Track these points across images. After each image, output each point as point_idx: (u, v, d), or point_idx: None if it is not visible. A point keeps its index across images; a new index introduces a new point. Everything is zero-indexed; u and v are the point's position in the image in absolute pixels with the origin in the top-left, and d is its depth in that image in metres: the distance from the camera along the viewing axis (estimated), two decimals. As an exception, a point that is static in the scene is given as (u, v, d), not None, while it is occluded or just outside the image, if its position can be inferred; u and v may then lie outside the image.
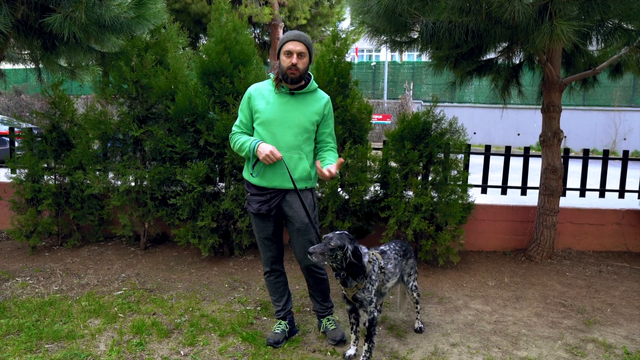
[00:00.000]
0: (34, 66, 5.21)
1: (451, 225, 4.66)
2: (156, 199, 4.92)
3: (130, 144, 5.01)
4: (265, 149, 2.95)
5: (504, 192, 5.95)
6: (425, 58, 5.47)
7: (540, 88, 5.38)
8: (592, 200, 5.89)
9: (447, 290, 4.32)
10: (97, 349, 3.14)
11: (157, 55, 4.97)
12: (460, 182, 4.79)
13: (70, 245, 5.15)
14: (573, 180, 6.35)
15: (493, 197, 5.85)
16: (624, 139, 18.50)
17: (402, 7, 4.13)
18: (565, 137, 5.32)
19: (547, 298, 4.18)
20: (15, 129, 5.89)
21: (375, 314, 3.00)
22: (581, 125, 18.75)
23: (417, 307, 3.52)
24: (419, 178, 4.79)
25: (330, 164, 3.11)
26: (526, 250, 5.21)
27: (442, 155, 4.77)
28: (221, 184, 4.94)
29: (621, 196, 5.91)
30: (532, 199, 5.75)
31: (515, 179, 6.21)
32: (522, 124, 19.41)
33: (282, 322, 3.33)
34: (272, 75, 3.17)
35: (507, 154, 5.83)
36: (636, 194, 5.97)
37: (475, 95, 20.99)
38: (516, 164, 6.06)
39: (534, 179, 6.10)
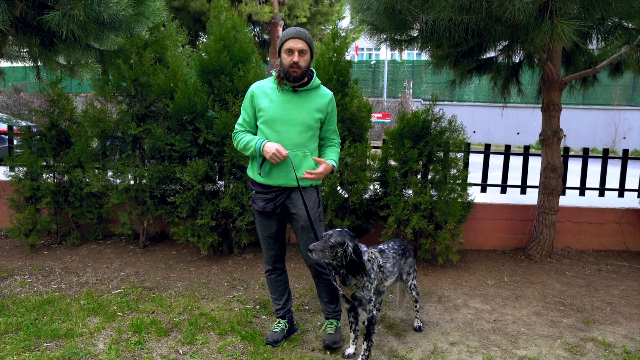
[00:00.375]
0: (32, 64, 5.20)
1: (451, 224, 4.65)
2: (155, 198, 4.92)
3: (129, 142, 5.00)
4: (271, 147, 2.93)
5: (503, 191, 5.95)
6: (425, 57, 5.46)
7: (540, 87, 5.37)
8: (591, 199, 5.88)
9: (447, 289, 4.32)
10: (95, 348, 3.13)
11: (156, 53, 4.96)
12: (459, 181, 4.78)
13: (69, 244, 5.14)
14: (573, 179, 6.34)
15: (493, 196, 5.84)
16: (624, 138, 18.50)
17: (401, 4, 4.12)
18: (565, 136, 5.31)
19: (546, 297, 4.17)
20: (14, 127, 5.88)
21: (374, 312, 2.99)
22: (581, 124, 18.74)
23: (416, 306, 3.51)
24: (419, 177, 4.78)
25: (329, 160, 3.12)
26: (526, 249, 5.20)
27: (442, 153, 4.76)
28: (220, 182, 4.93)
29: (621, 195, 5.91)
30: (531, 197, 5.74)
31: (514, 177, 6.20)
32: (522, 122, 19.39)
33: (282, 321, 3.33)
34: (274, 73, 3.15)
35: (507, 152, 5.82)
36: (636, 193, 5.97)
37: (475, 94, 20.98)
38: (516, 162, 6.05)
39: (534, 178, 6.08)
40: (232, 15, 4.84)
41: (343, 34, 4.86)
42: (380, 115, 18.86)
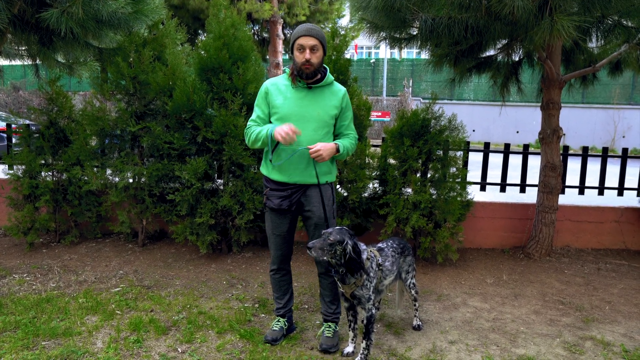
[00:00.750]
0: (31, 62, 5.18)
1: (450, 223, 4.65)
2: (154, 196, 4.91)
3: (128, 140, 4.99)
4: (283, 128, 2.88)
5: (502, 190, 5.94)
6: (424, 55, 5.45)
7: (539, 85, 5.36)
8: (591, 198, 5.88)
9: (446, 287, 4.31)
10: (94, 346, 3.13)
11: (155, 51, 4.95)
12: (459, 180, 4.78)
13: (68, 242, 5.14)
14: (572, 177, 6.34)
15: (492, 195, 5.84)
16: (623, 137, 18.50)
17: (400, 2, 4.10)
18: (564, 134, 5.31)
19: (545, 296, 4.17)
20: (13, 125, 5.87)
21: (374, 311, 2.99)
22: (580, 122, 18.74)
23: (415, 305, 3.51)
24: (418, 175, 4.78)
25: (335, 141, 3.11)
26: (525, 248, 5.20)
27: (441, 152, 4.76)
28: (219, 180, 4.92)
29: (620, 194, 5.90)
30: (531, 196, 5.74)
31: (514, 176, 6.20)
32: (522, 121, 19.40)
33: (281, 320, 3.32)
34: (287, 70, 3.14)
35: (506, 151, 5.82)
36: (635, 192, 5.96)
37: (474, 93, 20.98)
38: (515, 161, 6.05)
39: (533, 177, 6.08)
40: (232, 13, 4.83)
41: (342, 32, 4.85)
42: (379, 113, 18.86)
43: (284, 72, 3.20)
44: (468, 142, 5.21)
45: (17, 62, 5.54)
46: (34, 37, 4.42)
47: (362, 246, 3.02)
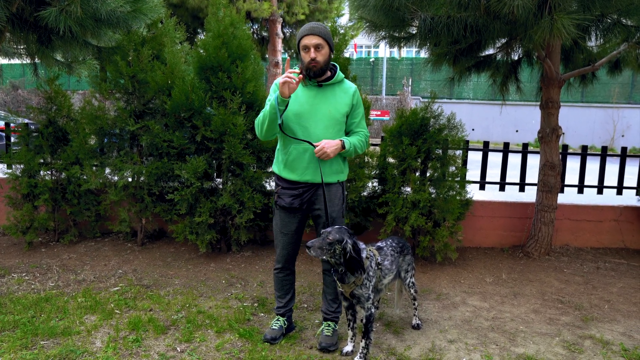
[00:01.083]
0: (30, 61, 5.17)
1: (449, 222, 4.65)
2: (153, 195, 4.90)
3: (127, 139, 4.98)
4: (280, 80, 2.82)
5: (502, 189, 5.94)
6: (423, 54, 5.44)
7: (539, 84, 5.36)
8: (590, 197, 5.88)
9: (445, 286, 4.31)
10: (93, 346, 3.12)
11: (154, 50, 4.94)
12: (458, 179, 4.78)
13: (67, 241, 5.13)
14: (571, 176, 6.34)
15: (491, 194, 5.84)
16: (622, 136, 18.50)
17: (399, 1, 4.10)
18: (563, 133, 5.30)
19: (544, 294, 4.17)
20: (12, 124, 5.86)
21: (373, 310, 2.98)
22: (579, 121, 18.73)
23: (414, 304, 3.51)
24: (417, 174, 4.78)
25: (344, 137, 3.08)
26: (524, 247, 5.20)
27: (440, 151, 4.76)
28: (218, 179, 4.92)
29: (619, 193, 5.91)
30: (530, 195, 5.74)
31: (513, 175, 6.20)
32: (521, 120, 19.39)
33: (281, 319, 3.32)
34: (297, 69, 3.14)
35: (506, 150, 5.81)
36: (634, 191, 5.96)
37: (473, 92, 20.97)
38: (514, 160, 6.05)
39: (532, 176, 6.07)
40: (231, 12, 4.82)
41: (342, 31, 4.84)
42: (379, 112, 18.85)
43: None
44: (467, 141, 5.20)
45: (16, 61, 5.54)
46: (32, 35, 4.41)
47: (362, 245, 3.01)
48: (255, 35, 16.21)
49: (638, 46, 4.63)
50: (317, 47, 2.97)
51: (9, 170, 5.08)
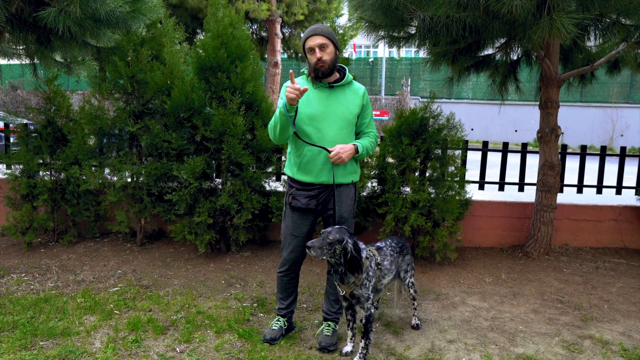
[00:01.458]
0: (29, 61, 5.17)
1: (448, 222, 4.65)
2: (153, 195, 4.90)
3: (127, 139, 4.98)
4: (287, 91, 2.81)
5: (501, 189, 5.94)
6: (423, 54, 5.45)
7: (538, 84, 5.36)
8: (589, 197, 5.89)
9: (444, 286, 4.31)
10: (92, 346, 3.12)
11: (153, 50, 4.93)
12: (457, 178, 4.78)
13: (66, 242, 5.13)
14: (570, 176, 6.34)
15: (490, 194, 5.84)
16: (621, 136, 18.52)
17: (398, 0, 4.10)
18: (562, 133, 5.31)
19: (544, 294, 4.17)
20: (11, 125, 5.86)
21: (372, 310, 2.98)
22: (579, 121, 18.75)
23: (414, 304, 3.51)
24: (417, 174, 4.78)
25: (354, 142, 3.10)
26: (523, 247, 5.20)
27: (440, 151, 4.76)
28: (218, 179, 4.92)
29: (618, 192, 5.91)
30: (529, 195, 5.74)
31: (512, 175, 6.20)
32: (520, 120, 19.40)
33: (281, 319, 3.31)
34: (305, 72, 3.15)
35: (505, 150, 5.81)
36: (633, 191, 5.96)
37: (472, 92, 20.97)
38: (514, 160, 6.05)
39: (532, 176, 6.08)
40: (230, 12, 4.82)
41: (341, 31, 4.84)
42: (378, 112, 18.85)
43: (302, 73, 3.20)
44: (466, 141, 5.20)
45: (15, 61, 5.54)
46: (31, 36, 4.41)
47: (362, 245, 3.01)
48: (254, 36, 16.21)
49: (637, 46, 4.63)
50: (321, 47, 2.98)
51: (8, 171, 5.08)
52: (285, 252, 3.23)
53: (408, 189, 4.74)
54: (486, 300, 4.05)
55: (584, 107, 19.03)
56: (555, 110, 4.98)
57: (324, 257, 2.84)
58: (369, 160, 4.84)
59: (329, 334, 3.21)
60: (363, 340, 2.98)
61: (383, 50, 21.74)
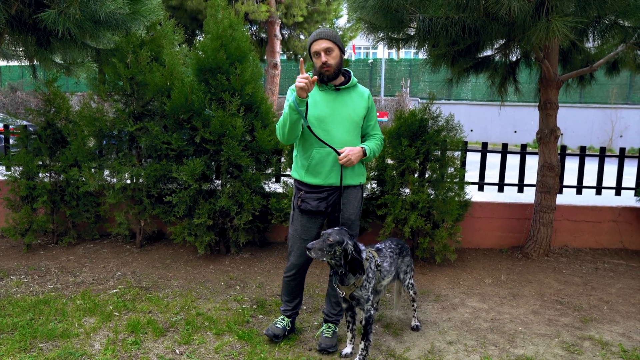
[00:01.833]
0: (28, 63, 5.17)
1: (448, 223, 4.65)
2: (152, 197, 4.90)
3: (126, 141, 4.98)
4: (297, 84, 2.81)
5: (500, 190, 5.94)
6: (422, 55, 5.45)
7: (537, 85, 5.37)
8: (588, 198, 5.89)
9: (444, 288, 4.32)
10: (92, 348, 3.12)
11: (152, 51, 4.94)
12: (457, 180, 4.78)
13: (66, 243, 5.13)
14: (570, 177, 6.35)
15: (490, 195, 5.84)
16: (621, 136, 18.55)
17: (398, 2, 4.10)
18: (562, 134, 5.31)
19: (543, 295, 4.17)
20: (10, 126, 5.86)
21: (372, 312, 2.98)
22: (578, 122, 18.78)
23: (413, 305, 3.51)
24: (416, 175, 4.78)
25: (364, 144, 3.12)
26: (523, 248, 5.20)
27: (439, 152, 4.76)
28: (217, 181, 4.92)
29: (618, 193, 5.91)
30: (528, 196, 5.75)
31: (512, 176, 6.20)
32: (519, 121, 19.42)
33: (286, 319, 3.31)
34: (310, 75, 3.15)
35: (504, 151, 5.82)
36: (632, 191, 5.97)
37: (472, 93, 21.00)
38: (513, 161, 6.05)
39: (531, 177, 6.08)
40: (229, 13, 4.83)
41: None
42: (377, 113, 18.86)
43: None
44: (466, 142, 5.21)
45: (15, 63, 5.53)
46: (31, 38, 4.41)
47: (362, 247, 3.02)
48: (253, 37, 16.21)
49: (636, 47, 4.64)
50: (327, 51, 3.00)
51: (8, 173, 5.08)
52: (294, 256, 3.22)
53: (407, 191, 4.74)
54: (486, 301, 4.05)
55: (583, 108, 19.05)
56: (554, 111, 4.98)
57: (324, 259, 2.84)
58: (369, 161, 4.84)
59: (328, 335, 3.21)
60: (363, 342, 2.98)
61: (382, 52, 21.77)
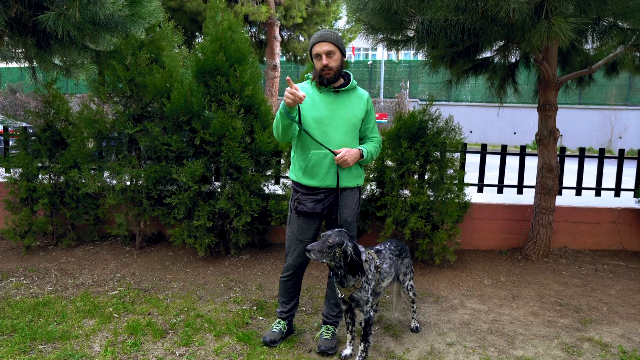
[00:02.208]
0: (28, 65, 5.17)
1: (447, 224, 4.65)
2: (152, 198, 4.90)
3: (126, 142, 4.99)
4: (285, 96, 2.83)
5: (500, 191, 5.95)
6: (421, 57, 5.46)
7: (536, 87, 5.38)
8: (588, 199, 5.90)
9: (444, 289, 4.32)
10: (91, 350, 3.12)
11: (152, 53, 4.94)
12: (456, 181, 4.79)
13: (65, 245, 5.12)
14: (569, 178, 6.35)
15: (489, 196, 5.85)
16: (620, 138, 18.57)
17: (397, 4, 4.11)
18: (561, 135, 5.32)
19: (543, 297, 4.18)
20: (9, 128, 5.86)
21: (372, 313, 2.98)
22: (577, 123, 18.80)
23: (413, 307, 3.51)
24: (416, 177, 4.78)
25: (359, 146, 3.12)
26: (522, 249, 5.21)
27: (439, 154, 4.77)
28: (217, 183, 4.92)
29: (617, 195, 5.92)
30: (528, 197, 5.75)
31: (511, 177, 6.21)
32: (519, 122, 19.45)
33: (282, 322, 3.31)
34: (309, 77, 3.17)
35: (504, 152, 5.82)
36: (632, 193, 5.98)
37: (471, 94, 21.02)
38: (512, 162, 6.06)
39: (530, 178, 6.09)
40: (229, 15, 4.83)
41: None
42: (377, 115, 18.88)
43: (306, 78, 3.23)
44: (465, 144, 5.22)
45: (14, 65, 5.53)
46: (31, 39, 4.41)
47: (361, 248, 3.02)
48: (253, 39, 16.23)
49: (634, 48, 4.65)
50: (328, 54, 3.01)
51: (8, 174, 5.08)
52: (291, 257, 3.23)
53: (407, 192, 4.74)
54: (485, 302, 4.05)
55: (583, 109, 19.08)
56: (553, 112, 4.99)
57: (324, 260, 2.84)
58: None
59: (328, 337, 3.21)
60: (362, 344, 2.98)
61: (382, 53, 21.78)
